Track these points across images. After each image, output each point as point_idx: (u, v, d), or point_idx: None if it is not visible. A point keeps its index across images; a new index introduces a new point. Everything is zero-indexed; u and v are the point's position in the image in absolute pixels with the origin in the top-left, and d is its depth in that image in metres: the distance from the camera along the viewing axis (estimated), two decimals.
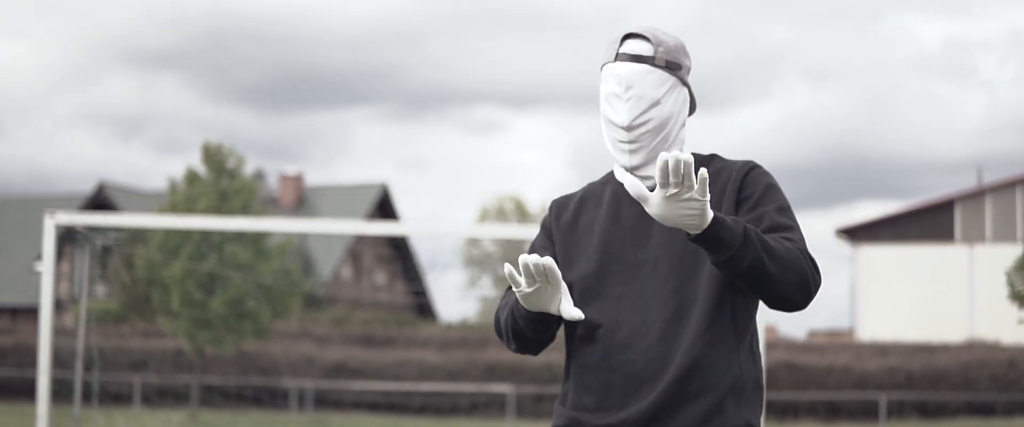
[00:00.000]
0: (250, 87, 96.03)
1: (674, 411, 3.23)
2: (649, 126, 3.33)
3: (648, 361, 3.25)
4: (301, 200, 59.95)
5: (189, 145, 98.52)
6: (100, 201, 52.57)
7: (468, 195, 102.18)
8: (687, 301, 3.27)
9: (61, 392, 15.40)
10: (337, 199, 58.84)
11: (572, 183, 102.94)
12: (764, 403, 3.32)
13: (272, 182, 61.14)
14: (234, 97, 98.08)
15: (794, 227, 3.30)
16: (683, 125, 3.45)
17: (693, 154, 3.42)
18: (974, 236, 47.74)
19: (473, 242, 65.85)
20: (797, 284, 3.20)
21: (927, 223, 48.72)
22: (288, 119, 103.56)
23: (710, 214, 3.03)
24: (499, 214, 66.86)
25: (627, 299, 3.31)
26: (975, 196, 48.37)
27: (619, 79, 3.31)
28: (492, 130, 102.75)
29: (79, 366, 14.08)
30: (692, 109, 3.52)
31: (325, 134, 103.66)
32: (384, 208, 58.86)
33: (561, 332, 3.50)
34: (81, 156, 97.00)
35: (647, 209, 3.04)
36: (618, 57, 3.34)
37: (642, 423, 3.23)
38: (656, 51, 3.34)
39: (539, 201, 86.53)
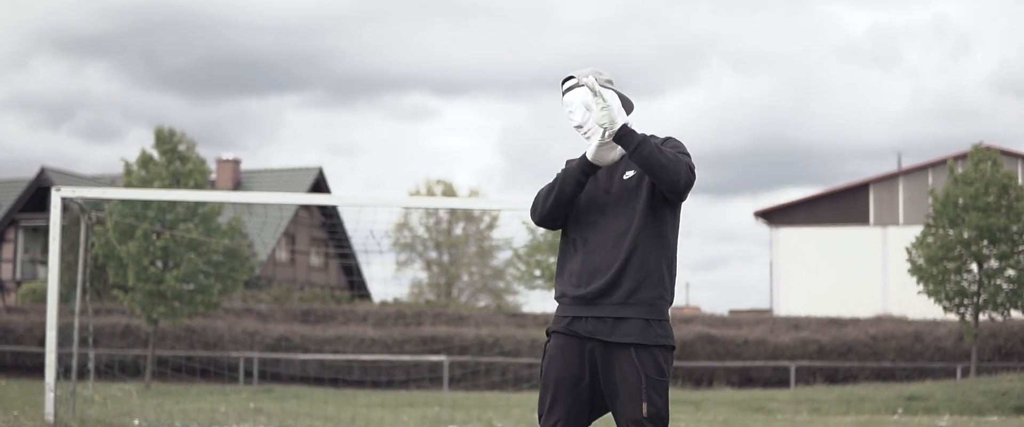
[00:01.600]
0: (180, 73, 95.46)
1: (616, 288, 5.33)
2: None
3: (603, 259, 5.37)
4: (238, 184, 59.83)
5: (119, 132, 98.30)
6: (42, 185, 53.26)
7: (398, 180, 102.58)
8: (628, 223, 5.37)
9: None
10: (274, 182, 58.90)
11: (501, 168, 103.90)
12: (674, 297, 5.42)
13: (209, 166, 61.54)
14: (164, 83, 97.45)
15: (684, 152, 5.43)
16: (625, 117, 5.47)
17: (651, 135, 5.46)
18: (887, 218, 48.86)
19: (403, 226, 67.12)
20: (677, 172, 5.26)
21: (843, 206, 49.72)
22: (218, 106, 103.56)
23: (620, 121, 5.22)
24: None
25: (598, 224, 5.42)
26: (889, 179, 49.42)
27: (565, 103, 5.49)
28: (422, 116, 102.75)
29: (75, 340, 15.56)
30: (630, 108, 5.64)
31: (255, 121, 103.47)
32: (320, 191, 58.59)
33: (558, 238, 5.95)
34: (11, 143, 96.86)
35: (592, 117, 5.27)
36: (562, 94, 5.48)
37: (598, 294, 5.35)
38: (578, 78, 5.47)
39: (468, 186, 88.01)
